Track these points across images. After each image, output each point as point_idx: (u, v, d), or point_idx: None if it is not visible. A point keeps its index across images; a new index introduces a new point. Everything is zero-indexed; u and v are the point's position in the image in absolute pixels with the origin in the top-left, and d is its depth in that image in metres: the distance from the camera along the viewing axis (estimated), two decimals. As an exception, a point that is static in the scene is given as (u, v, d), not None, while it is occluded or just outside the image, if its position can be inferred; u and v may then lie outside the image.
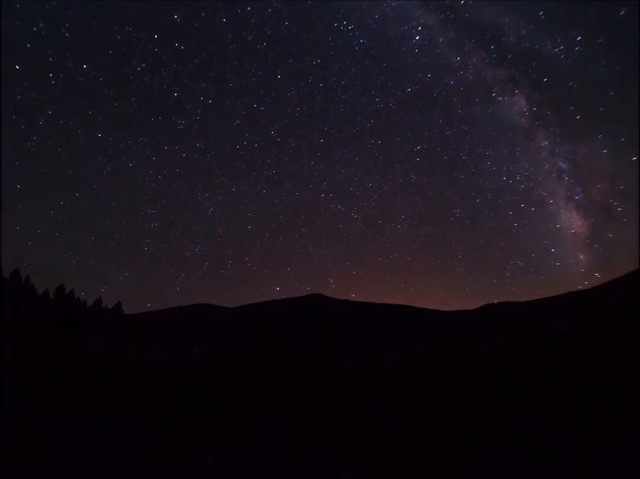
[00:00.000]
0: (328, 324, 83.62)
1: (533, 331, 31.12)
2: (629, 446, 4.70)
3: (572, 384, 9.29)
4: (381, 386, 14.40)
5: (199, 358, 37.49)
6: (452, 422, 7.00)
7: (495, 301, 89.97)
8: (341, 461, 5.08)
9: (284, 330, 78.77)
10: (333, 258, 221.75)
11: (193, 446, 5.77)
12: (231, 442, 6.11)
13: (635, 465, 4.18)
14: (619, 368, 9.93)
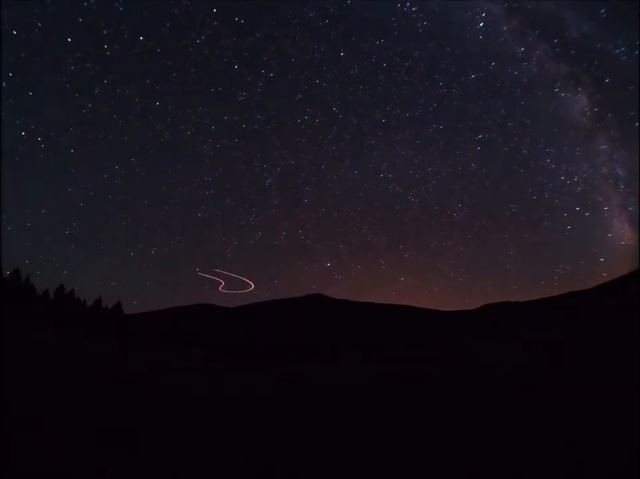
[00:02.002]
0: (328, 325, 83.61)
1: (533, 331, 31.11)
2: (629, 444, 4.70)
3: (572, 384, 9.28)
4: (381, 386, 14.39)
5: (199, 358, 37.50)
6: (452, 423, 6.99)
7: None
8: (341, 461, 5.08)
9: (283, 331, 78.77)
10: (387, 239, 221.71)
11: (193, 445, 5.77)
12: (231, 442, 6.11)
13: (635, 465, 4.18)
14: (619, 368, 9.93)
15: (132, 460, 4.92)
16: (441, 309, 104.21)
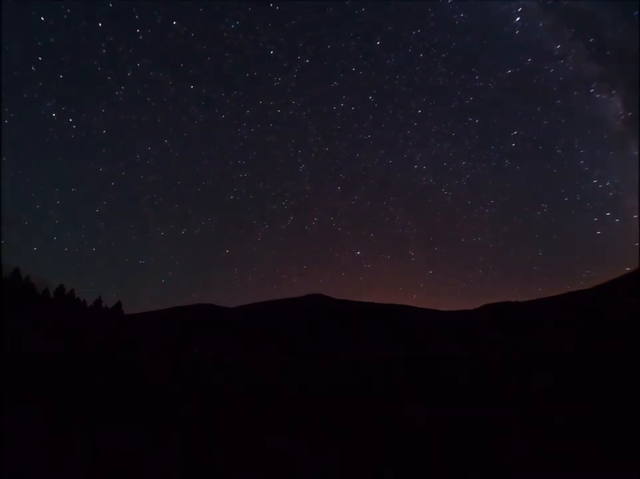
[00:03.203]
0: (328, 325, 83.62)
1: (534, 331, 31.13)
2: (631, 447, 4.70)
3: (572, 384, 9.29)
4: (381, 386, 14.40)
5: (199, 358, 37.50)
6: (452, 424, 7.00)
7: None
8: (342, 462, 5.08)
9: (283, 331, 78.77)
10: (417, 231, 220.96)
11: (193, 444, 5.77)
12: (230, 442, 6.11)
13: (635, 466, 4.18)
14: (620, 368, 9.93)
15: (132, 460, 4.93)
16: (441, 309, 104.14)
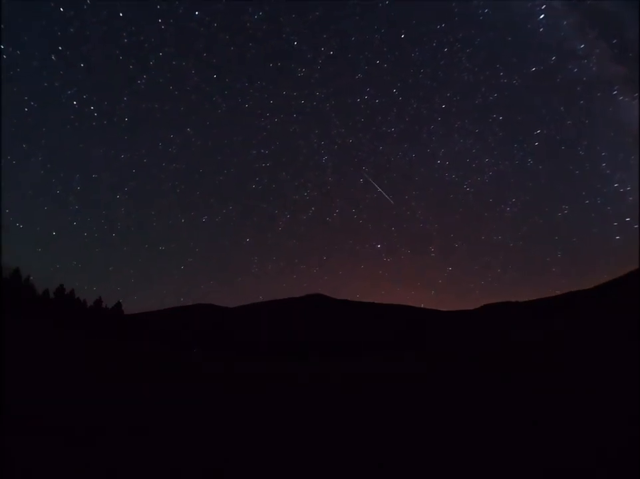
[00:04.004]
0: (328, 324, 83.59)
1: (533, 331, 31.09)
2: (629, 441, 4.70)
3: (573, 384, 9.28)
4: (381, 386, 14.39)
5: (199, 358, 37.48)
6: (453, 423, 7.00)
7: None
8: (341, 462, 5.08)
9: (283, 331, 78.74)
10: (438, 227, 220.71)
11: (194, 445, 5.77)
12: (230, 441, 6.11)
13: (635, 463, 4.18)
14: (619, 367, 9.93)
15: (132, 460, 4.92)
16: (441, 309, 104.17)
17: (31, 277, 58.00)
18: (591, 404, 7.03)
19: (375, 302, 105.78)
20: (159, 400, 10.01)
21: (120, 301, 71.54)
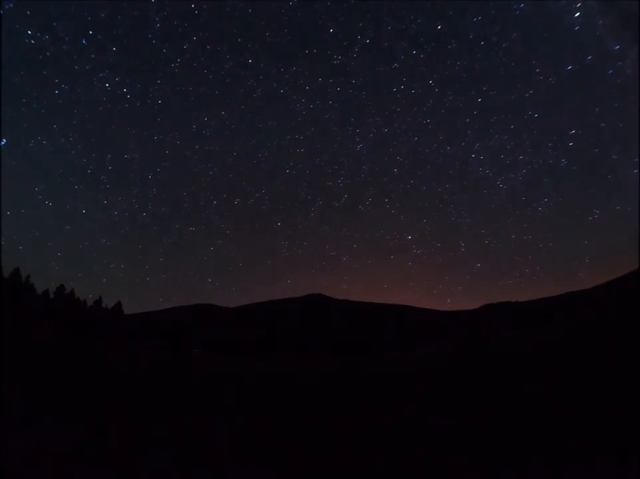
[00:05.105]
0: (328, 324, 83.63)
1: (533, 331, 31.12)
2: (631, 443, 4.70)
3: (573, 383, 9.29)
4: (383, 385, 14.39)
5: (199, 358, 37.50)
6: (454, 423, 6.99)
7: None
8: (341, 462, 5.08)
9: (283, 331, 78.78)
10: (470, 221, 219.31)
11: (193, 444, 5.77)
12: (230, 440, 6.11)
13: (636, 461, 4.18)
14: (619, 367, 9.93)
15: (132, 460, 4.92)
16: (442, 309, 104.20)
17: (31, 278, 57.96)
18: (591, 404, 7.03)
19: (375, 302, 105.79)
20: (159, 400, 10.01)
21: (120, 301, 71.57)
